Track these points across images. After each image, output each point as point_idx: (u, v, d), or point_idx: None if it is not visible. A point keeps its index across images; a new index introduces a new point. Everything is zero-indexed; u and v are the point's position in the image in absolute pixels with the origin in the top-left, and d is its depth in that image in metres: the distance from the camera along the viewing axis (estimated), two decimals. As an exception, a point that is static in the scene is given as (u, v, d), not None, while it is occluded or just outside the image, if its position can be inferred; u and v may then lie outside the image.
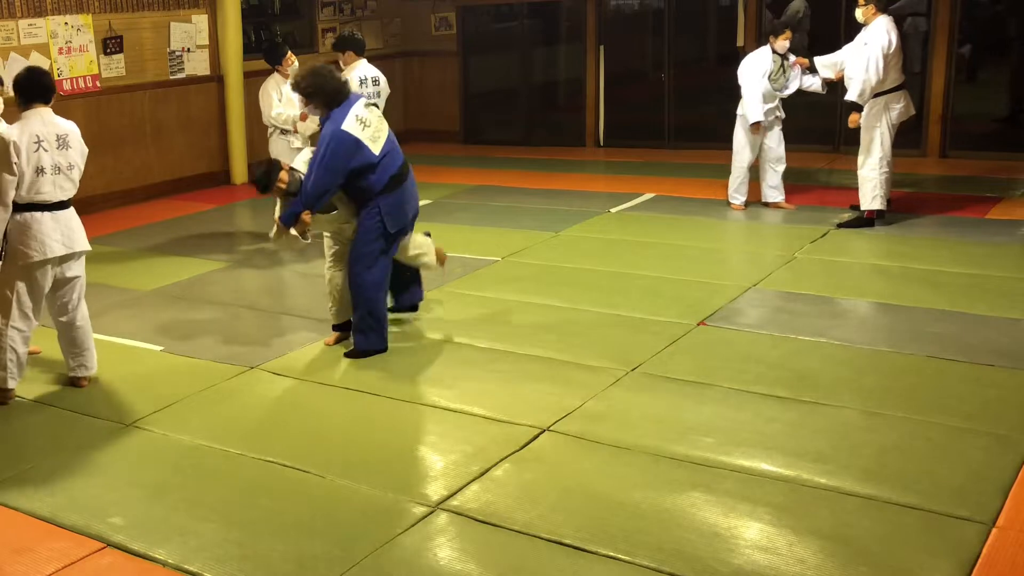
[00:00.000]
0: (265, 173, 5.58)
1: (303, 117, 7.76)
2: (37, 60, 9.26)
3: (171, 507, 4.13)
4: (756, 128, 8.46)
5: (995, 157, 10.30)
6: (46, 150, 4.95)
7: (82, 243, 5.17)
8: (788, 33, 8.38)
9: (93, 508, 4.14)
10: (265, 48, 9.07)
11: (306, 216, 5.41)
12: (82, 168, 5.16)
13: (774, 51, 8.37)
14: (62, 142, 5.03)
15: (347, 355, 5.65)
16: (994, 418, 4.60)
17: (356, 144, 5.34)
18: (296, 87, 5.54)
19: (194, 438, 4.76)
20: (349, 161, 5.33)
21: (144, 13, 10.23)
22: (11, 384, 5.17)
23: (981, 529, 3.71)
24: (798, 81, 8.49)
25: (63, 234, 5.04)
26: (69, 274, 5.17)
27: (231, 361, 5.72)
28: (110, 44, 9.94)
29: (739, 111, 8.61)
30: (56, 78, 9.46)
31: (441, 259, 6.17)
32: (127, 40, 10.09)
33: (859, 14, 7.81)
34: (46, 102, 5.06)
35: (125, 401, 5.21)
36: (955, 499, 3.91)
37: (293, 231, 5.51)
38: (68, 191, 5.08)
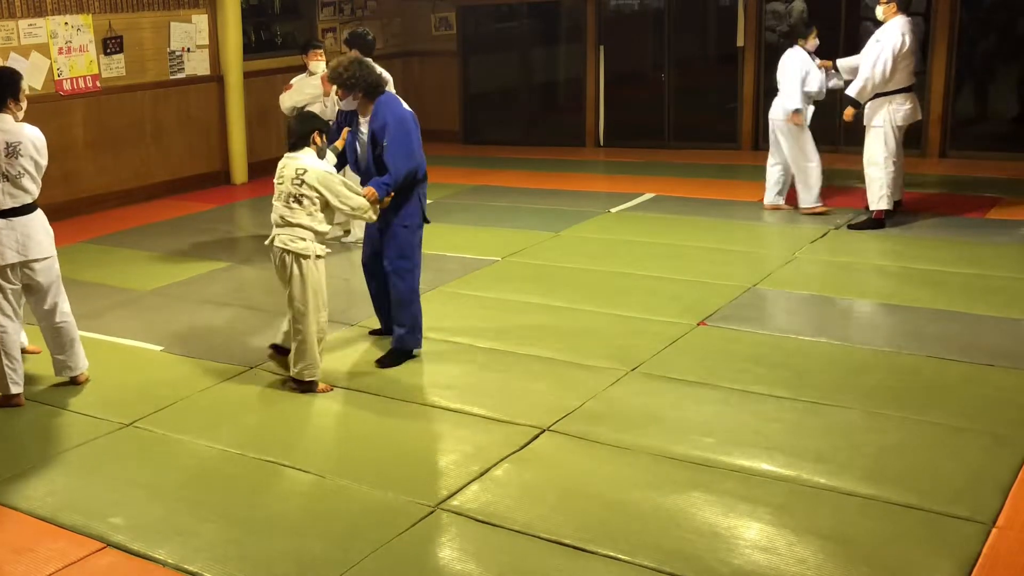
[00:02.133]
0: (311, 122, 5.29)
1: (287, 87, 7.91)
2: (37, 60, 9.26)
3: (171, 507, 4.13)
4: (798, 116, 8.20)
5: (995, 157, 10.31)
6: None
7: (40, 250, 5.08)
8: (816, 31, 8.34)
9: (93, 508, 4.14)
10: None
11: (389, 198, 5.30)
12: (36, 176, 5.06)
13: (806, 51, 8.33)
14: (12, 150, 4.94)
15: (386, 363, 5.53)
16: (994, 418, 4.59)
17: (415, 119, 5.40)
18: (338, 76, 5.33)
19: (194, 438, 4.76)
20: (418, 135, 5.38)
21: (144, 13, 10.22)
22: (14, 389, 5.16)
23: (981, 529, 3.71)
24: (826, 83, 8.38)
25: (18, 241, 5.00)
26: (38, 279, 5.13)
27: (231, 361, 5.72)
28: (110, 44, 9.94)
29: (782, 116, 8.35)
30: (56, 78, 9.47)
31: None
32: (127, 40, 10.09)
33: (879, 11, 7.79)
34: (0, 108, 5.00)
35: (125, 401, 5.21)
36: (955, 499, 3.90)
37: (373, 207, 5.22)
38: (21, 198, 5.02)
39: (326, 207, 5.13)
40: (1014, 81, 11.18)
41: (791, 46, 8.44)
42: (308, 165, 5.09)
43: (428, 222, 5.66)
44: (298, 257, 5.13)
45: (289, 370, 5.29)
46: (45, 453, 4.68)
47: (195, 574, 3.65)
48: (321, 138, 5.22)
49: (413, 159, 5.34)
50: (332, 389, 5.28)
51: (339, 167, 5.49)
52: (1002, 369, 5.15)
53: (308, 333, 5.17)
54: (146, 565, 3.74)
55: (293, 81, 8.12)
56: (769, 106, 8.64)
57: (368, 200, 5.19)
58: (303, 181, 5.05)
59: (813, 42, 8.33)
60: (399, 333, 5.58)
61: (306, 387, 5.24)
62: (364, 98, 5.37)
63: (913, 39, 7.72)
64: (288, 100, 8.02)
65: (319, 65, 8.01)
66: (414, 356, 5.61)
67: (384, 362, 5.54)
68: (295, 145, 5.19)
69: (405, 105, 5.46)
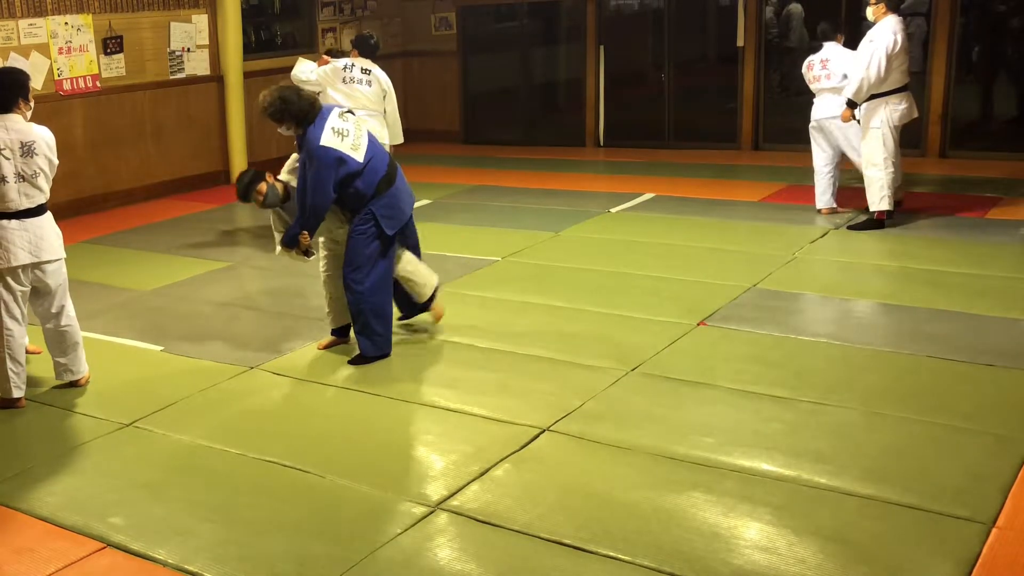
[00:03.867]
0: (246, 185, 5.63)
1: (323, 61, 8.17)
2: (37, 60, 9.27)
3: (171, 507, 4.13)
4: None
5: (995, 157, 10.31)
6: (7, 158, 4.89)
7: (51, 252, 5.08)
8: (840, 36, 8.35)
9: (93, 508, 4.14)
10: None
11: (303, 238, 5.41)
12: (50, 175, 5.07)
13: None
14: (27, 149, 4.94)
15: (352, 362, 5.59)
16: (994, 418, 4.59)
17: (338, 159, 5.30)
18: (264, 112, 5.42)
19: (194, 438, 4.76)
20: (335, 176, 5.30)
21: (144, 13, 10.23)
22: (16, 393, 5.16)
23: (981, 529, 3.71)
24: None
25: (31, 242, 4.99)
26: (47, 281, 5.13)
27: (231, 361, 5.72)
28: (110, 44, 9.95)
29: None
30: (56, 78, 9.47)
31: (437, 316, 6.02)
32: (127, 40, 10.10)
33: (870, 12, 7.78)
34: (7, 110, 4.96)
35: (125, 401, 5.21)
36: (955, 499, 3.90)
37: (295, 252, 5.51)
38: (36, 198, 5.01)
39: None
40: (1014, 81, 11.17)
41: (820, 45, 8.41)
42: None
43: (390, 234, 5.47)
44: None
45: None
46: (45, 453, 4.68)
47: (195, 574, 3.65)
48: (260, 194, 5.68)
49: (315, 200, 5.32)
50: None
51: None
52: (1002, 369, 5.15)
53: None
54: (146, 565, 3.74)
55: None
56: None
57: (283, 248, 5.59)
58: None
59: (841, 40, 8.35)
60: (357, 339, 5.60)
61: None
62: (297, 127, 5.38)
63: (905, 38, 7.71)
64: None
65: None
66: (386, 357, 5.61)
67: (353, 361, 5.61)
68: None
69: (327, 136, 5.29)
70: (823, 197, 8.50)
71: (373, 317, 5.52)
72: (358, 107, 7.49)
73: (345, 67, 8.01)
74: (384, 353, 5.60)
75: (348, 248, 5.47)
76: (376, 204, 5.42)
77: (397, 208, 5.53)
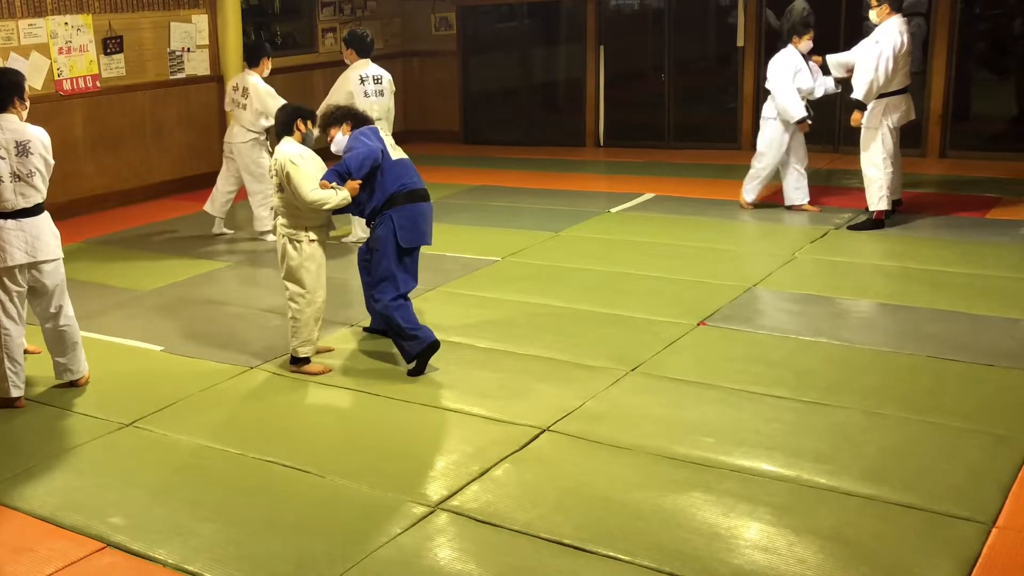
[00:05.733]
0: (306, 112, 5.54)
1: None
2: (37, 60, 9.27)
3: (171, 507, 4.13)
4: (804, 125, 8.29)
5: (995, 157, 10.31)
6: (3, 158, 4.88)
7: (48, 252, 5.07)
8: (811, 33, 8.31)
9: (93, 508, 4.14)
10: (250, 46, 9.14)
11: (353, 183, 5.31)
12: (46, 175, 5.06)
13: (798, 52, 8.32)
14: (22, 149, 4.93)
15: (411, 373, 5.40)
16: (994, 418, 4.60)
17: (380, 141, 5.47)
18: (327, 119, 5.62)
19: (194, 438, 4.76)
20: (378, 141, 5.45)
21: (144, 13, 10.23)
22: (15, 393, 5.16)
23: (981, 529, 3.71)
24: (823, 81, 8.34)
25: (27, 242, 4.98)
26: (44, 281, 5.12)
27: (231, 361, 5.72)
28: (110, 44, 9.94)
29: (767, 114, 8.45)
30: (56, 78, 9.47)
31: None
32: (127, 40, 10.09)
33: (873, 15, 7.77)
34: (2, 109, 4.95)
35: (125, 401, 5.21)
36: (955, 499, 3.91)
37: (334, 184, 5.30)
38: (32, 198, 5.00)
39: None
40: (1014, 81, 11.17)
41: (784, 46, 8.43)
42: (281, 151, 5.34)
43: (404, 246, 5.43)
44: (290, 240, 5.40)
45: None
46: (45, 453, 4.68)
47: (195, 574, 3.65)
48: (305, 124, 5.49)
49: (364, 149, 5.34)
50: (330, 371, 5.47)
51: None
52: (1002, 369, 5.15)
53: (301, 312, 5.45)
54: (146, 565, 3.74)
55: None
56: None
57: (323, 189, 5.26)
58: (277, 170, 5.34)
59: (807, 43, 8.30)
60: (399, 345, 5.47)
61: (300, 363, 5.51)
62: (351, 128, 5.59)
63: (910, 39, 7.71)
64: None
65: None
66: (433, 350, 5.40)
67: (413, 373, 5.42)
68: (279, 135, 5.49)
69: (377, 128, 5.66)
70: (763, 190, 8.72)
71: (403, 320, 5.40)
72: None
73: (362, 79, 7.76)
74: (429, 341, 5.37)
75: (375, 261, 5.50)
76: (396, 212, 5.41)
77: (416, 226, 5.50)
